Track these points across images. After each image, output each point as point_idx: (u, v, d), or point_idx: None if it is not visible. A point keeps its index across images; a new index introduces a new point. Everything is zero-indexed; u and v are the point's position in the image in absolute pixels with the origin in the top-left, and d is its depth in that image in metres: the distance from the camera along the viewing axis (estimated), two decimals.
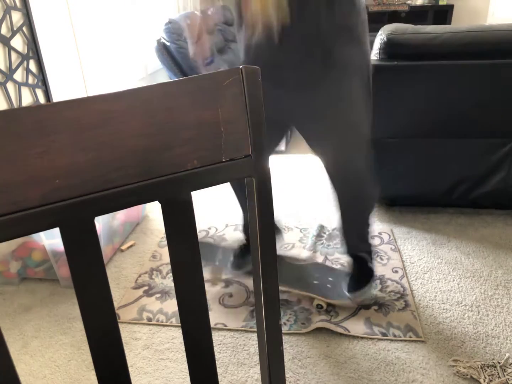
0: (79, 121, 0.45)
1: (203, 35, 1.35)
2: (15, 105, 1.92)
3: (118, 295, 1.65)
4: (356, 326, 1.45)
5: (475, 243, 1.87)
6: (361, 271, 1.56)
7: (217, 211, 2.24)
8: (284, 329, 1.45)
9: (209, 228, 2.08)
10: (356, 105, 1.28)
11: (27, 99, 2.00)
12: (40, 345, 1.45)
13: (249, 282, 1.69)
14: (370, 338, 1.40)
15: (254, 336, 1.44)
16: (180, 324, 0.75)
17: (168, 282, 1.71)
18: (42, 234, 1.65)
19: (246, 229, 1.73)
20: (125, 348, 1.40)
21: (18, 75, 1.94)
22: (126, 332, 1.48)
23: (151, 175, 0.50)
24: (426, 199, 2.09)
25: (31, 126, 0.43)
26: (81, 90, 2.43)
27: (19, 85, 1.94)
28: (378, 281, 1.66)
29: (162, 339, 1.44)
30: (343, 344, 1.39)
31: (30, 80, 2.01)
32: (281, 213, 2.17)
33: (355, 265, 1.58)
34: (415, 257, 1.79)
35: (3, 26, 1.84)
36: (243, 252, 1.71)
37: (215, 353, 1.38)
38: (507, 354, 1.32)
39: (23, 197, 0.44)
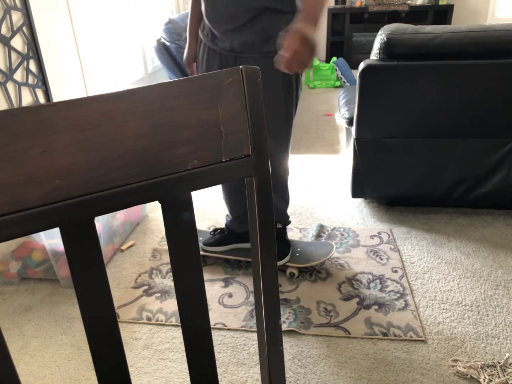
0: (79, 121, 0.45)
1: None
2: (15, 105, 1.92)
3: (118, 295, 1.65)
4: (357, 326, 1.45)
5: (475, 243, 1.87)
6: (282, 242, 1.73)
7: (217, 211, 2.24)
8: (283, 326, 1.45)
9: (209, 228, 2.08)
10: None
11: (27, 99, 2.00)
12: (40, 345, 1.45)
13: (249, 282, 1.69)
14: (370, 338, 1.40)
15: (254, 336, 1.44)
16: (180, 324, 0.75)
17: (168, 282, 1.72)
18: (42, 234, 1.65)
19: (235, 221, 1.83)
20: (125, 348, 1.40)
21: (18, 75, 1.94)
22: (126, 332, 1.48)
23: (151, 175, 0.50)
24: (426, 199, 2.09)
25: (31, 126, 0.43)
26: (81, 90, 2.43)
27: (19, 85, 1.94)
28: (378, 281, 1.66)
29: (162, 339, 1.44)
30: (343, 344, 1.39)
31: (30, 80, 2.01)
32: None
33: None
34: (415, 257, 1.79)
35: (3, 26, 1.84)
36: (219, 235, 1.84)
37: (215, 353, 1.38)
38: (507, 354, 1.32)
39: (23, 197, 0.44)
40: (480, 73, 1.75)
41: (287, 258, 1.70)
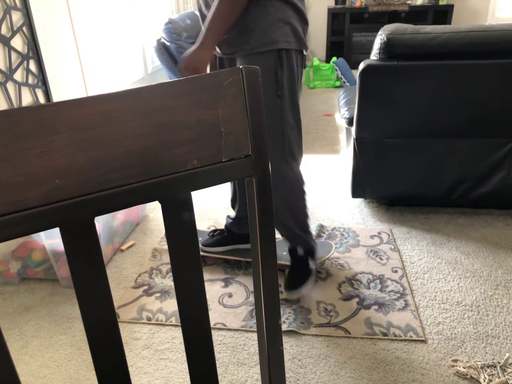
0: (79, 121, 0.45)
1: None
2: (15, 105, 1.92)
3: (118, 295, 1.65)
4: (356, 326, 1.45)
5: (475, 243, 1.87)
6: (300, 270, 1.58)
7: (217, 211, 2.24)
8: (283, 327, 1.45)
9: (209, 228, 2.08)
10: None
11: (27, 99, 2.00)
12: (40, 345, 1.45)
13: (249, 282, 1.69)
14: (370, 338, 1.40)
15: (254, 336, 1.44)
16: (180, 324, 0.75)
17: (168, 282, 1.72)
18: (42, 234, 1.65)
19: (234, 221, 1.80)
20: (125, 348, 1.40)
21: (18, 75, 1.94)
22: (126, 332, 1.48)
23: (151, 175, 0.50)
24: (426, 199, 2.10)
25: (31, 126, 0.43)
26: (81, 90, 2.43)
27: (19, 85, 1.94)
28: (378, 281, 1.66)
29: (162, 339, 1.44)
30: (343, 344, 1.39)
31: (30, 80, 2.01)
32: None
33: (294, 263, 1.60)
34: (415, 257, 1.79)
35: (3, 26, 1.84)
36: (216, 236, 1.82)
37: (215, 353, 1.38)
38: (507, 354, 1.32)
39: (23, 197, 0.44)
40: (480, 73, 1.75)
41: (300, 292, 1.54)
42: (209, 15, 1.25)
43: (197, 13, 1.48)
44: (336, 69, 4.52)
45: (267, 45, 1.28)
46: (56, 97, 2.19)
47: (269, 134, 1.44)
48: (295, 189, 1.47)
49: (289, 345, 1.39)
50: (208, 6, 1.34)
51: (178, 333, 1.46)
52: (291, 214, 1.50)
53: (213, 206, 2.29)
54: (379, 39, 1.85)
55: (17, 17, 1.92)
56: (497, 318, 1.46)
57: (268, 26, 1.27)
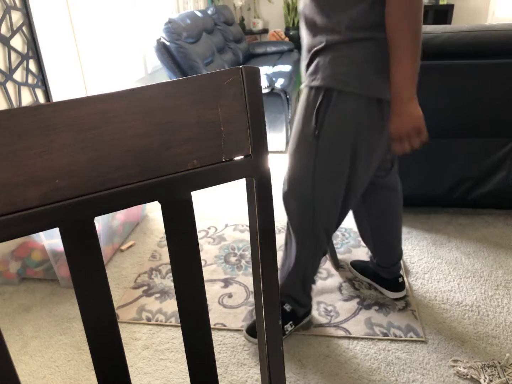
0: (79, 121, 0.45)
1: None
2: (15, 105, 1.92)
3: (117, 295, 1.65)
4: (357, 327, 1.45)
5: (475, 243, 1.87)
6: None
7: (217, 211, 2.24)
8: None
9: (209, 228, 2.08)
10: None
11: (27, 99, 2.00)
12: (40, 345, 1.44)
13: (249, 282, 1.69)
14: (371, 338, 1.40)
15: None
16: (179, 324, 0.75)
17: (168, 282, 1.71)
18: (42, 234, 1.65)
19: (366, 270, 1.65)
20: (125, 348, 1.40)
21: (18, 75, 1.94)
22: (126, 332, 1.48)
23: (151, 175, 0.49)
24: (426, 199, 2.09)
25: (31, 126, 0.43)
26: (81, 90, 2.43)
27: (18, 85, 1.94)
28: None
29: (162, 339, 1.44)
30: (343, 344, 1.39)
31: (30, 80, 2.01)
32: (281, 213, 2.17)
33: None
34: (415, 257, 1.79)
35: (3, 26, 1.84)
36: None
37: (215, 353, 1.38)
38: (507, 354, 1.32)
39: (23, 197, 0.44)
40: (480, 73, 1.75)
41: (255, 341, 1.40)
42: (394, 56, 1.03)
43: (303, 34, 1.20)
44: None
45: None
46: (56, 97, 2.19)
47: (295, 177, 1.25)
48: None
49: (289, 345, 1.39)
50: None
51: (178, 333, 1.46)
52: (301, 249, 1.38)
53: (213, 206, 2.29)
54: None
55: (17, 17, 1.92)
56: (498, 318, 1.46)
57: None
